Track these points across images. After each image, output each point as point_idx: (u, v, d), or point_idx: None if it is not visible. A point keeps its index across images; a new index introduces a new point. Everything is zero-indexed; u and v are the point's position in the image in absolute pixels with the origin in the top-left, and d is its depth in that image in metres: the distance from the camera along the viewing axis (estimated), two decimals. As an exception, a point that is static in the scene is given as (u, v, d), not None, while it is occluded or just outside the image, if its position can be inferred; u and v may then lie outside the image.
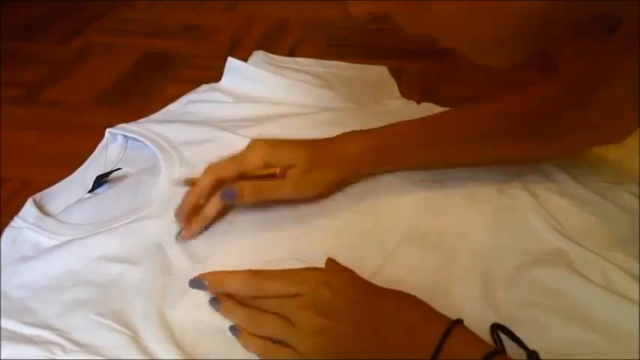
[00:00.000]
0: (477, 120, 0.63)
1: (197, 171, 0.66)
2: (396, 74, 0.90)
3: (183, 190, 0.64)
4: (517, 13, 0.38)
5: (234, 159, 0.59)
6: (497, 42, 0.41)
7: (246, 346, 0.49)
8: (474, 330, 0.45)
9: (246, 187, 0.58)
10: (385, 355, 0.44)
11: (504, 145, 0.63)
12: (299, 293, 0.48)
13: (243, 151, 0.60)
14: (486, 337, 0.49)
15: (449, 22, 0.40)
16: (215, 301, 0.51)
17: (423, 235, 0.59)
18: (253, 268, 0.54)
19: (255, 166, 0.59)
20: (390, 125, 0.63)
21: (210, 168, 0.59)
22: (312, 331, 0.46)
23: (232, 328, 0.50)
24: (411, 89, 0.88)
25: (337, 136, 0.63)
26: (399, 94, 0.86)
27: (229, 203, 0.60)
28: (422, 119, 0.64)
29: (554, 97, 0.61)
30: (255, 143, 0.60)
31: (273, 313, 0.48)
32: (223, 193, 0.58)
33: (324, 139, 0.63)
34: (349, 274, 0.50)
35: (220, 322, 0.51)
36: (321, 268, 0.51)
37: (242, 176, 0.59)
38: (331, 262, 0.52)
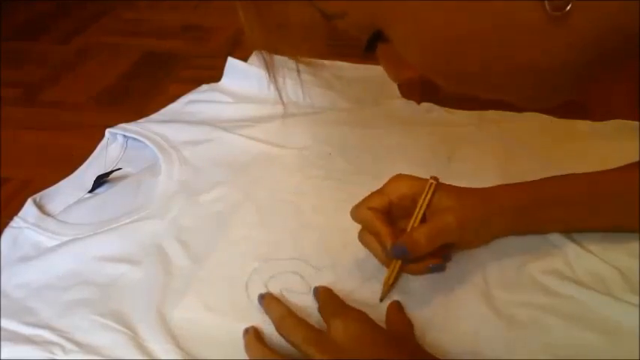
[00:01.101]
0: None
1: (197, 172, 0.66)
2: (396, 74, 0.90)
3: (182, 191, 0.65)
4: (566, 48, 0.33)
5: (376, 193, 0.55)
6: (546, 86, 0.37)
7: (246, 348, 0.48)
8: (473, 330, 0.45)
9: (422, 234, 0.52)
10: None
11: None
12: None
13: (386, 184, 0.55)
14: (485, 335, 0.49)
15: (488, 78, 0.36)
16: (261, 297, 0.52)
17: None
18: (251, 268, 0.55)
19: (400, 197, 0.54)
20: (545, 181, 0.56)
21: (357, 208, 0.54)
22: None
23: (245, 330, 0.49)
24: (411, 89, 0.88)
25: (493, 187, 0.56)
26: (399, 94, 0.86)
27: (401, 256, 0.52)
28: (587, 176, 0.55)
29: None
30: (398, 176, 0.55)
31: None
32: (394, 251, 0.51)
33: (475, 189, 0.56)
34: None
35: (220, 322, 0.51)
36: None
37: (388, 209, 0.54)
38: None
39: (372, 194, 0.55)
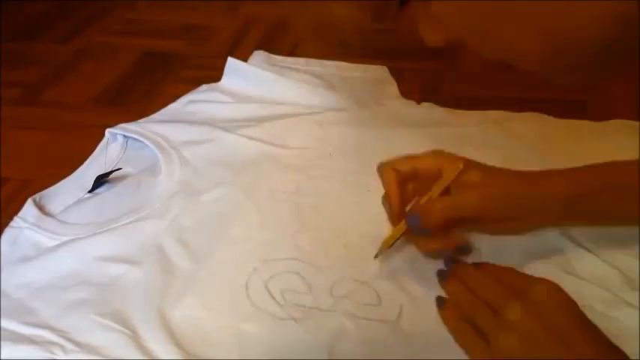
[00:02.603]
0: None
1: (198, 172, 0.66)
2: (396, 74, 0.90)
3: (182, 192, 0.65)
4: (599, 20, 0.33)
5: (408, 157, 0.55)
6: (577, 59, 0.36)
7: (445, 320, 0.49)
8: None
9: (439, 205, 0.52)
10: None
11: None
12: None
13: (421, 152, 0.55)
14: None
15: (521, 45, 0.37)
16: (442, 272, 0.52)
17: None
18: (251, 268, 0.55)
19: (427, 168, 0.54)
20: (586, 170, 0.54)
21: (385, 165, 0.55)
22: (514, 329, 0.44)
23: (439, 299, 0.50)
24: (411, 89, 0.88)
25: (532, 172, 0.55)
26: (399, 94, 0.86)
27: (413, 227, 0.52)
28: (609, 172, 0.54)
29: None
30: (435, 150, 0.55)
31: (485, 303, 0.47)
32: (410, 219, 0.52)
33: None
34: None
35: (221, 322, 0.51)
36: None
37: (414, 174, 0.54)
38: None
39: (403, 157, 0.55)
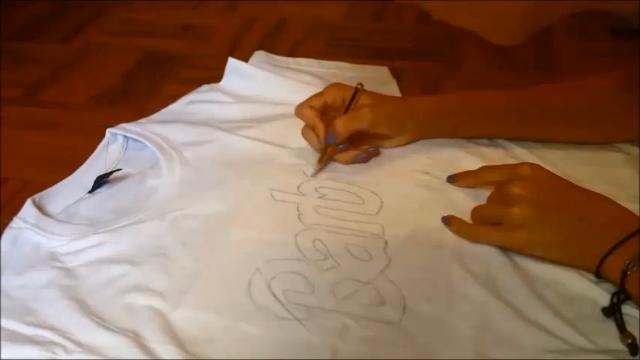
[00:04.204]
0: (536, 99, 0.69)
1: (198, 172, 0.66)
2: (396, 74, 0.90)
3: (183, 192, 0.65)
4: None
5: (315, 95, 0.69)
6: (506, 21, 0.44)
7: (457, 228, 0.58)
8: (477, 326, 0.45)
9: (340, 122, 0.65)
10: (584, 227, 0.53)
11: (561, 126, 0.69)
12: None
13: (324, 89, 0.70)
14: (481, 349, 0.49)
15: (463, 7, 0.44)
16: (452, 177, 0.65)
17: (426, 234, 0.59)
18: (254, 268, 0.55)
19: (333, 99, 0.68)
20: (453, 95, 0.73)
21: (299, 106, 0.69)
22: (522, 200, 0.54)
23: (444, 219, 0.59)
24: (411, 89, 0.88)
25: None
26: (399, 94, 0.86)
27: (332, 143, 0.66)
28: (480, 93, 0.71)
29: (614, 89, 0.67)
30: (334, 84, 0.70)
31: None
32: (328, 138, 0.66)
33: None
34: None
35: (223, 323, 0.51)
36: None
37: (324, 109, 0.68)
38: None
39: (312, 96, 0.69)
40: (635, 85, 0.65)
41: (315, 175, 0.67)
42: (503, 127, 0.70)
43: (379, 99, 0.69)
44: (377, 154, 0.69)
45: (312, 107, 0.68)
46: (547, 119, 0.69)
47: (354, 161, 0.68)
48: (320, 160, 0.67)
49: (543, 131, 0.70)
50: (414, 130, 0.70)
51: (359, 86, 0.68)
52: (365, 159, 0.68)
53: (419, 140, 0.71)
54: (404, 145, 0.71)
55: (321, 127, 0.66)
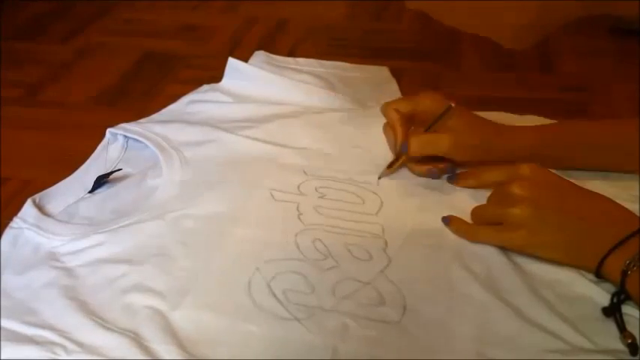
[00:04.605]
0: (623, 131, 0.65)
1: (198, 172, 0.66)
2: (396, 74, 0.91)
3: (183, 192, 0.65)
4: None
5: (409, 98, 0.68)
6: (515, 25, 0.44)
7: (457, 228, 0.58)
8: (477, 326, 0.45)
9: (415, 140, 0.64)
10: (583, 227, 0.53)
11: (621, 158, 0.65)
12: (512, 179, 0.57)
13: (417, 95, 0.67)
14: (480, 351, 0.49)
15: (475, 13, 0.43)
16: (451, 177, 0.65)
17: (426, 234, 0.59)
18: (254, 267, 0.55)
19: (423, 109, 0.66)
20: (546, 128, 0.67)
21: (387, 105, 0.67)
22: (522, 199, 0.54)
23: (444, 219, 0.59)
24: (411, 89, 0.88)
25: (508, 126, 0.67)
26: (399, 94, 0.86)
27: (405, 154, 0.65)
28: (575, 123, 0.69)
29: None
30: (430, 93, 0.67)
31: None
32: (402, 147, 0.64)
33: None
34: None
35: (223, 323, 0.51)
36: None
37: (411, 115, 0.66)
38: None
39: (402, 99, 0.69)
40: None
41: (381, 178, 0.66)
42: (591, 160, 0.66)
43: (472, 124, 0.65)
44: (453, 172, 0.66)
45: (397, 110, 0.66)
46: (617, 148, 0.65)
47: (427, 176, 0.66)
48: (390, 166, 0.66)
49: (619, 164, 0.66)
50: (502, 158, 0.65)
51: (452, 105, 0.64)
52: (437, 176, 0.66)
53: None
54: None
55: (400, 134, 0.65)
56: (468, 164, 0.66)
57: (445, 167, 0.65)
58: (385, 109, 0.67)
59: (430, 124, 0.65)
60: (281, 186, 0.66)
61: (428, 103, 0.66)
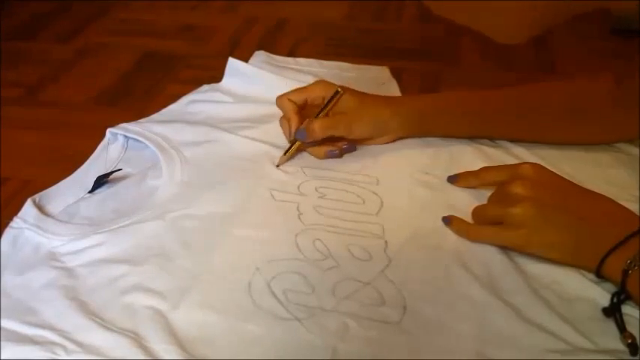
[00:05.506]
0: (532, 98, 0.70)
1: (199, 172, 0.66)
2: (396, 74, 0.91)
3: (183, 192, 0.65)
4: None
5: (301, 88, 0.71)
6: (510, 20, 0.44)
7: (457, 228, 0.58)
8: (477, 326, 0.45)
9: (317, 124, 0.67)
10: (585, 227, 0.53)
11: (557, 125, 0.69)
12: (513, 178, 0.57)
13: (309, 85, 0.71)
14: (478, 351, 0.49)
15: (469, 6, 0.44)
16: (452, 177, 0.65)
17: (427, 234, 0.59)
18: (254, 267, 0.55)
19: (315, 97, 0.69)
20: (445, 93, 0.74)
21: (281, 97, 0.70)
22: (523, 198, 0.54)
23: (444, 219, 0.59)
24: (411, 89, 0.88)
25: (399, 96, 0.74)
26: (399, 94, 0.86)
27: (301, 141, 0.68)
28: (475, 93, 0.72)
29: (607, 88, 0.67)
30: (320, 81, 0.71)
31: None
32: (297, 134, 0.67)
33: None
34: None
35: (223, 323, 0.51)
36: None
37: (304, 104, 0.69)
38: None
39: (295, 90, 0.71)
40: (626, 79, 0.65)
41: (280, 165, 0.68)
42: (498, 127, 0.71)
43: (364, 102, 0.69)
44: (351, 150, 0.70)
45: (290, 100, 0.69)
46: (543, 118, 0.69)
47: (327, 157, 0.69)
48: (286, 153, 0.69)
49: (538, 131, 0.70)
50: (399, 129, 0.71)
51: (339, 90, 0.68)
52: (338, 155, 0.69)
53: (407, 138, 0.72)
54: (388, 143, 0.72)
55: (294, 122, 0.68)
56: (366, 141, 0.71)
57: (343, 146, 0.70)
58: (279, 100, 0.70)
59: (321, 109, 0.68)
60: (281, 186, 0.66)
61: (318, 90, 0.69)
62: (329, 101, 0.68)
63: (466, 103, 0.71)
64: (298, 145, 0.69)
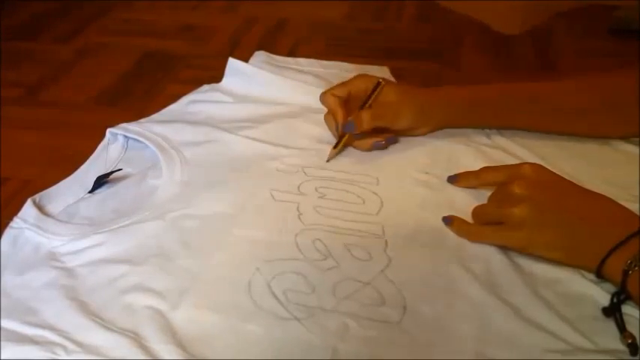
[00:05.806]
0: (561, 92, 0.70)
1: (199, 172, 0.66)
2: (396, 74, 0.91)
3: (183, 192, 0.65)
4: None
5: (343, 83, 0.72)
6: (509, 10, 0.44)
7: (458, 228, 0.58)
8: (477, 326, 0.45)
9: (365, 115, 0.68)
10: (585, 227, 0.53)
11: (587, 119, 0.70)
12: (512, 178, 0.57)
13: (349, 79, 0.72)
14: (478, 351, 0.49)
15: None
16: (452, 177, 0.65)
17: (427, 234, 0.59)
18: (254, 267, 0.55)
19: (357, 90, 0.71)
20: (487, 85, 0.73)
21: (325, 93, 0.71)
22: (522, 199, 0.54)
23: (444, 219, 0.59)
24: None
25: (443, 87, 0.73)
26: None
27: (350, 132, 0.68)
28: (513, 85, 0.73)
29: (635, 84, 0.67)
30: (360, 74, 0.73)
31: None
32: (346, 127, 0.68)
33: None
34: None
35: (223, 323, 0.51)
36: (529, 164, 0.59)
37: (347, 98, 0.70)
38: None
39: (337, 85, 0.72)
40: None
41: (330, 160, 0.69)
42: (534, 118, 0.71)
43: (407, 92, 0.71)
44: (395, 142, 0.71)
45: (334, 95, 0.70)
46: (577, 113, 0.70)
47: (373, 148, 0.70)
48: (335, 146, 0.69)
49: (570, 124, 0.71)
50: (443, 120, 0.72)
51: (381, 81, 0.70)
52: (384, 146, 0.70)
53: (444, 128, 0.73)
54: (426, 134, 0.73)
55: (340, 115, 0.69)
56: (408, 131, 0.71)
57: (388, 137, 0.70)
58: (324, 96, 0.71)
59: (364, 102, 0.70)
60: (281, 186, 0.66)
61: (360, 83, 0.71)
62: (371, 93, 0.70)
63: (511, 94, 0.71)
64: (348, 138, 0.69)
